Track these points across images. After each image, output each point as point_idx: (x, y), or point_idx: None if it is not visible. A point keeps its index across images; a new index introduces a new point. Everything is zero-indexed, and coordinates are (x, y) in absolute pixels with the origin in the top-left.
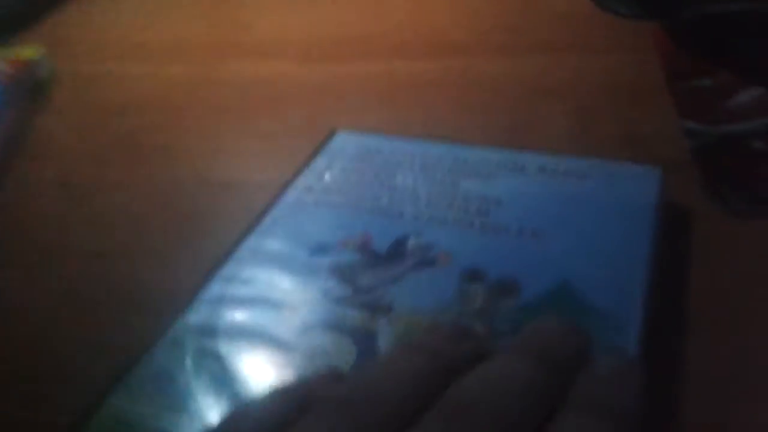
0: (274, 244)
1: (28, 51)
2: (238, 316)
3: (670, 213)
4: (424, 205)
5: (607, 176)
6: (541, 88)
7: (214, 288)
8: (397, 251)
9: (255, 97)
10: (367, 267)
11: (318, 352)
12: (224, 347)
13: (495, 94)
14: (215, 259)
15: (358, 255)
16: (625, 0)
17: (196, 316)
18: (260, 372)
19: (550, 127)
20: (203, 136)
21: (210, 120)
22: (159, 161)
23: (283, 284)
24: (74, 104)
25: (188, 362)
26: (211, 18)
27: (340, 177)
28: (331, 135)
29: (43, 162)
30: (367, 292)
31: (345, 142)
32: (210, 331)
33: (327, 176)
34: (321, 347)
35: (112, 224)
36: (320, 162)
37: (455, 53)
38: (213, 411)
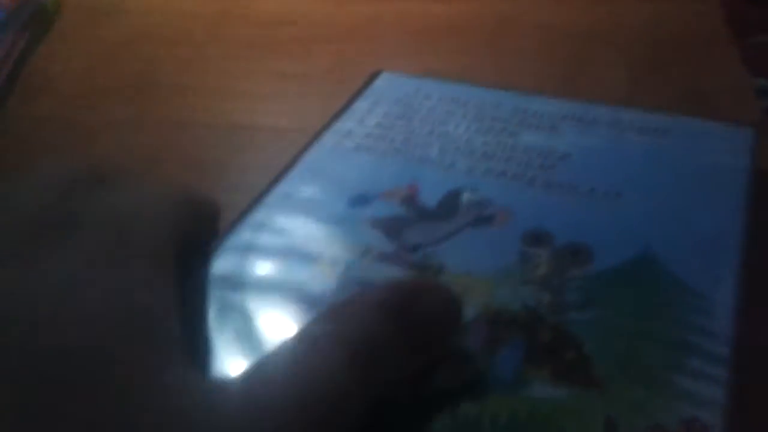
0: (308, 191)
1: None
2: (267, 267)
3: (762, 180)
4: (479, 156)
5: (690, 134)
6: (593, 35)
7: (242, 236)
8: (448, 206)
9: (282, 36)
10: (415, 222)
11: None
12: (251, 301)
13: (542, 41)
14: (239, 208)
15: (403, 208)
16: None
17: (220, 265)
18: (289, 331)
19: (605, 79)
20: (225, 76)
21: (233, 58)
22: (175, 101)
23: (318, 236)
24: (81, 35)
25: (211, 316)
26: None
27: (384, 122)
28: (374, 76)
29: (44, 97)
30: (414, 249)
31: (390, 84)
32: (236, 283)
33: (369, 120)
34: None
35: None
36: (362, 104)
37: None
38: (235, 368)
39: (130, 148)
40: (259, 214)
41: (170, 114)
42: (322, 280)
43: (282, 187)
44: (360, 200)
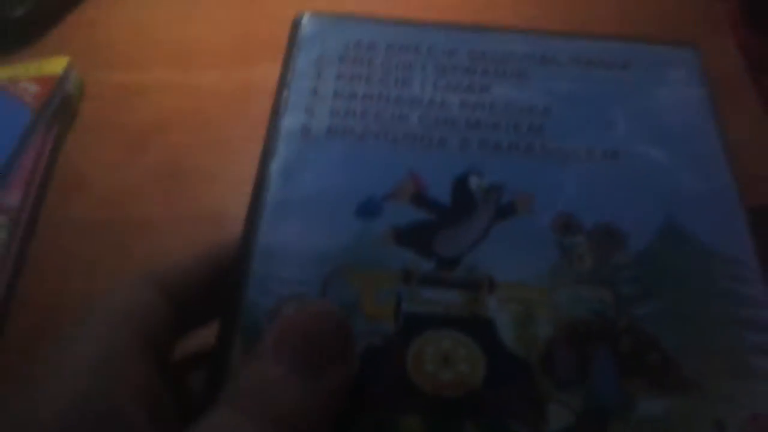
0: (304, 200)
1: (53, 64)
2: None
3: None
4: (465, 126)
5: (647, 62)
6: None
7: (250, 296)
8: (463, 199)
9: None
10: (439, 227)
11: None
12: None
13: None
14: None
15: (419, 210)
16: None
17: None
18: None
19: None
20: (244, 160)
21: (254, 139)
22: (204, 192)
23: (341, 264)
24: (107, 122)
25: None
26: (242, 11)
27: (340, 88)
28: (297, 21)
29: (77, 197)
30: (453, 262)
31: (320, 30)
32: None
33: (323, 89)
34: (434, 352)
35: None
36: (303, 65)
37: None
38: None
39: (165, 247)
40: (259, 245)
41: (201, 207)
42: (377, 323)
43: (271, 200)
44: (367, 210)
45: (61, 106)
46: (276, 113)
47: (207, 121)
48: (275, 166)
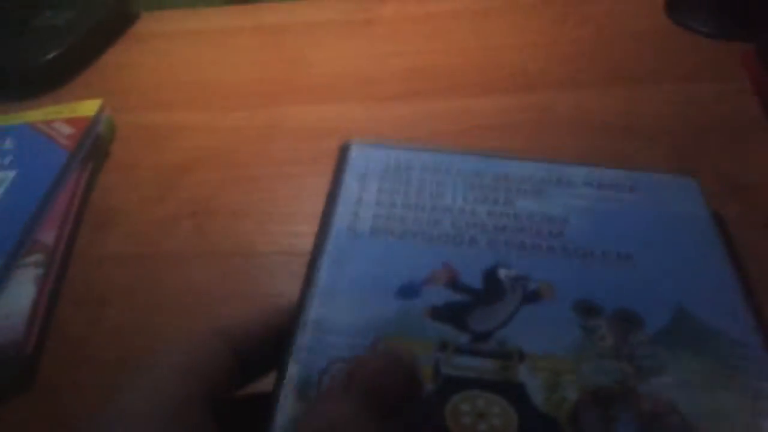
0: (349, 285)
1: (86, 106)
2: None
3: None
4: (492, 229)
5: (652, 187)
6: (624, 124)
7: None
8: (493, 286)
9: (325, 146)
10: (473, 307)
11: (469, 414)
12: None
13: (573, 134)
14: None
15: (454, 294)
16: (705, 17)
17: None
18: None
19: None
20: (270, 198)
21: (278, 177)
22: (231, 230)
23: (383, 334)
24: (137, 162)
25: None
26: (269, 53)
27: (382, 199)
28: (345, 149)
29: (108, 234)
30: (486, 337)
31: (365, 155)
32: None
33: (367, 198)
34: (470, 409)
35: (186, 310)
36: (350, 183)
37: (526, 87)
38: None
39: (194, 282)
40: (309, 319)
41: (230, 242)
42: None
43: (322, 284)
44: (407, 292)
45: (93, 147)
46: (326, 215)
47: (233, 160)
48: (326, 258)
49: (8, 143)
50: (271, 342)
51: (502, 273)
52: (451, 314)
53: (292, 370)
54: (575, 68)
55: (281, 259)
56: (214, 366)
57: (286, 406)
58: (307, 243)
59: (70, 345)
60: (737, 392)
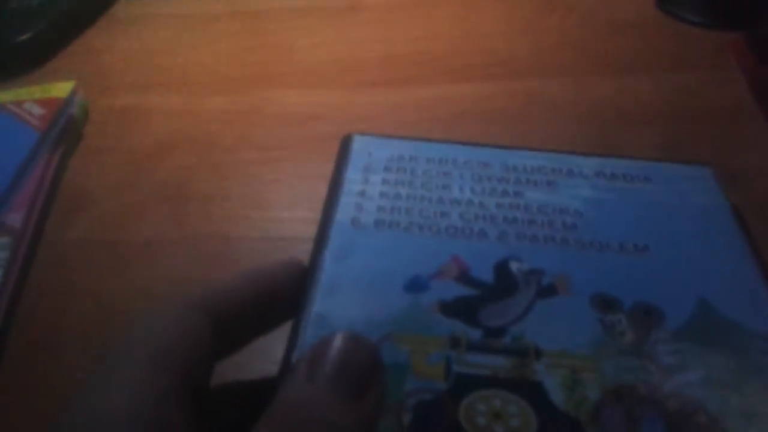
0: (355, 280)
1: (58, 87)
2: None
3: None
4: (502, 221)
5: (666, 177)
6: (613, 113)
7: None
8: (505, 280)
9: (306, 131)
10: (485, 302)
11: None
12: None
13: (562, 123)
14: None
15: (464, 288)
16: (695, 6)
17: None
18: None
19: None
20: (250, 182)
21: (257, 163)
22: (209, 214)
23: (390, 330)
24: (112, 144)
25: None
26: (250, 38)
27: (386, 190)
28: (347, 141)
29: (79, 218)
30: (499, 333)
31: (367, 147)
32: None
33: (371, 191)
34: (485, 409)
35: (160, 299)
36: (353, 175)
37: (513, 75)
38: None
39: (168, 269)
40: (313, 313)
41: (205, 229)
42: (428, 382)
43: (325, 277)
44: (415, 286)
45: (65, 129)
46: (328, 209)
47: (211, 144)
48: (328, 252)
49: None
50: (253, 307)
51: (514, 266)
52: (461, 309)
53: None
54: (563, 56)
55: (260, 245)
56: (190, 346)
57: None
58: (287, 228)
59: (37, 333)
60: (765, 389)
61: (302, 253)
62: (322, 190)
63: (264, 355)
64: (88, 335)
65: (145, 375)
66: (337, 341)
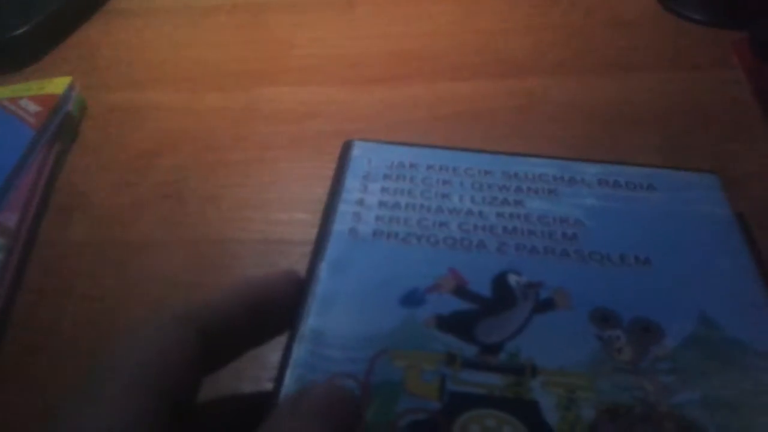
0: (349, 294)
1: (55, 83)
2: None
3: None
4: (502, 232)
5: (671, 185)
6: (615, 112)
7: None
8: (503, 293)
9: (305, 130)
10: (481, 316)
11: None
12: None
13: (562, 122)
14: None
15: (461, 301)
16: (698, 4)
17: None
18: None
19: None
20: (249, 184)
21: (255, 162)
22: (204, 216)
23: (384, 345)
24: (108, 143)
25: None
26: (248, 33)
27: (385, 199)
28: (347, 147)
29: (76, 219)
30: (495, 349)
31: (367, 154)
32: None
33: (369, 199)
34: (479, 430)
35: (155, 300)
36: (352, 183)
37: (513, 73)
38: None
39: (164, 270)
40: (308, 328)
41: (202, 229)
42: (422, 401)
43: (321, 291)
44: (411, 300)
45: (62, 126)
46: (326, 218)
47: (208, 143)
48: (325, 263)
49: None
50: (244, 320)
51: (513, 279)
52: (458, 324)
53: (289, 385)
54: (564, 55)
55: (257, 247)
56: (174, 362)
57: None
58: (283, 231)
59: (32, 334)
60: (763, 411)
61: (299, 256)
62: (320, 191)
63: (257, 362)
64: (84, 337)
65: (126, 394)
66: (324, 384)
